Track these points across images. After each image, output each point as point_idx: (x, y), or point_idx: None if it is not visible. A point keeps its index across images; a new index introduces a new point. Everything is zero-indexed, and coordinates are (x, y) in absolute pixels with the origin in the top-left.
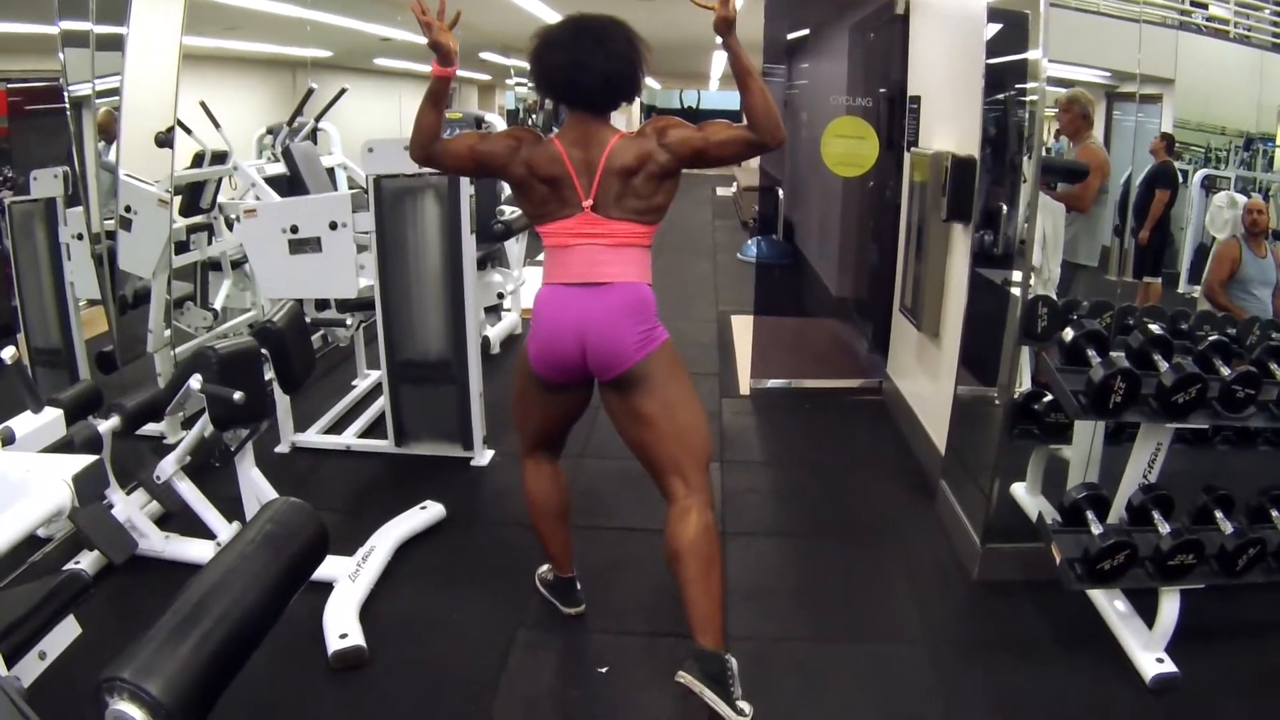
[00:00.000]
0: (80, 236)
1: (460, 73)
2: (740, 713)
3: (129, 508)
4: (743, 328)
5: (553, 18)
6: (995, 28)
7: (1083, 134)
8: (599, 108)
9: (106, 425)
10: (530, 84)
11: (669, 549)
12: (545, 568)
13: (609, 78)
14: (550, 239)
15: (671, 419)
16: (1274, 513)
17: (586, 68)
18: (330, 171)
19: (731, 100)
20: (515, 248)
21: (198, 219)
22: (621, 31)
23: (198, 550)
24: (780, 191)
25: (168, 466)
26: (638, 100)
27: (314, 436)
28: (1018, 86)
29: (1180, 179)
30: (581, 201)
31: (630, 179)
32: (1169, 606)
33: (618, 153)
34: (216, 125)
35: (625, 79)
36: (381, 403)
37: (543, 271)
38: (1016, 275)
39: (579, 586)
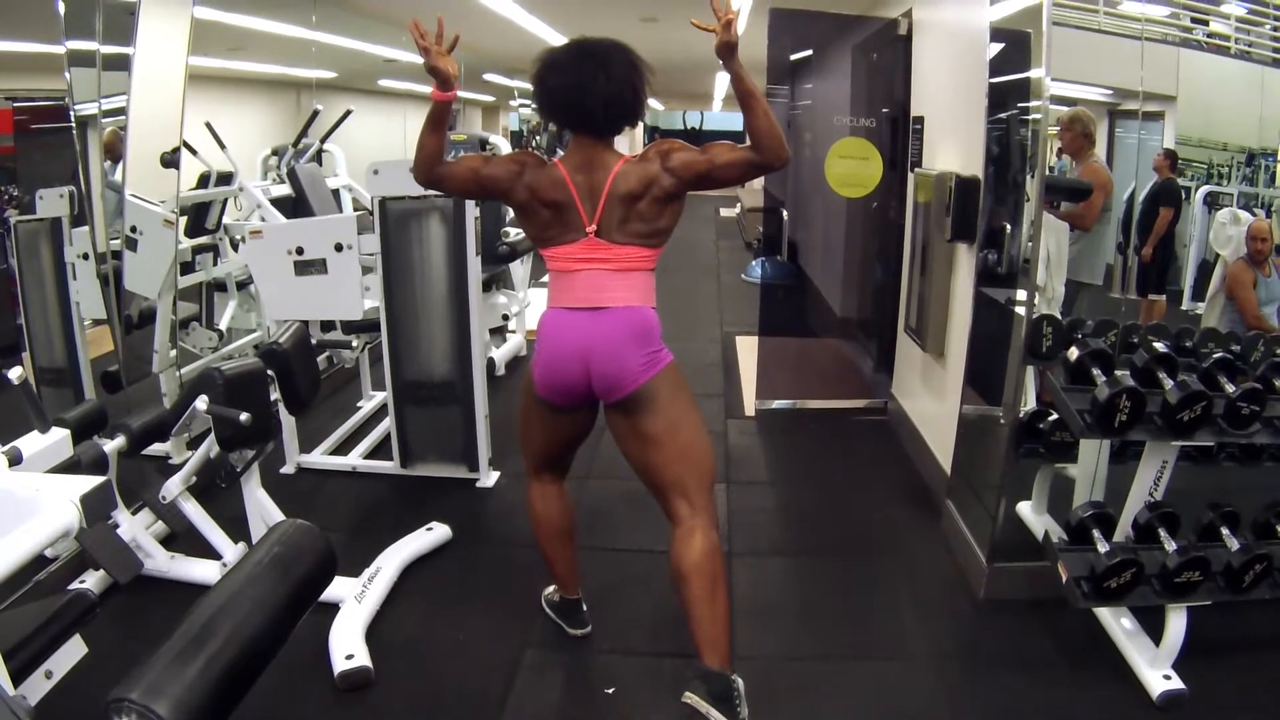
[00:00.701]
0: (86, 256)
1: (463, 94)
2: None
3: (135, 528)
4: (747, 348)
5: (556, 38)
6: (998, 47)
7: (1085, 153)
8: (601, 131)
9: (112, 445)
10: (534, 106)
11: (674, 570)
12: (551, 589)
13: (610, 101)
14: (554, 263)
15: (676, 440)
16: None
17: (588, 91)
18: (335, 193)
19: (735, 121)
20: (520, 269)
21: (203, 240)
22: (624, 55)
23: (203, 570)
24: (784, 212)
25: (174, 487)
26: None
27: (319, 457)
28: (1021, 105)
29: (1183, 195)
30: (585, 226)
31: (635, 204)
32: (1176, 623)
33: (622, 178)
34: (222, 146)
35: (627, 103)
36: (387, 424)
37: (547, 295)
38: (1021, 294)
39: (585, 608)
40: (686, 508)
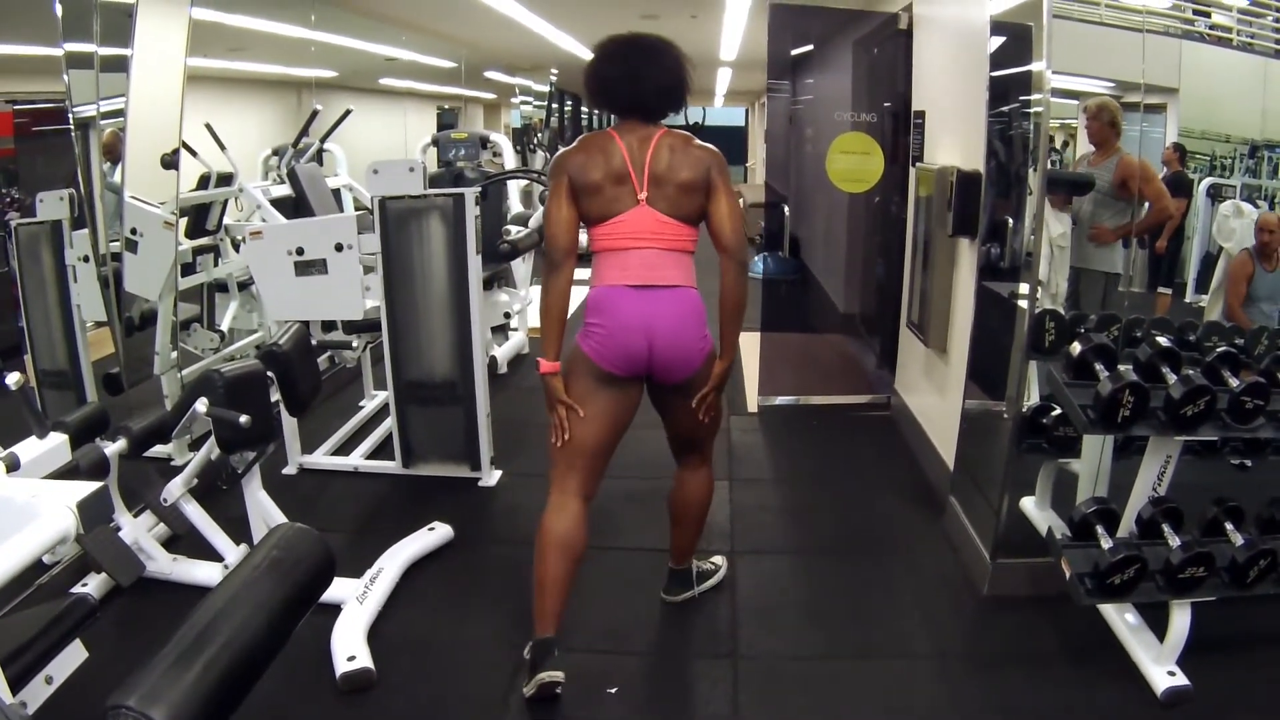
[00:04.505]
0: (86, 258)
1: (466, 92)
2: (715, 565)
3: (136, 530)
4: (750, 344)
5: (557, 36)
6: (999, 40)
7: (1110, 143)
8: (651, 116)
9: (113, 448)
10: (587, 96)
11: (679, 497)
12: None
13: (661, 90)
14: (605, 241)
15: (713, 418)
16: None
17: (642, 79)
18: (336, 193)
19: (735, 116)
20: (521, 267)
21: (204, 241)
22: (673, 48)
23: (205, 572)
24: (786, 208)
25: (175, 489)
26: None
27: (321, 458)
28: (1022, 99)
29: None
30: (637, 194)
31: (671, 177)
32: (1180, 619)
33: (660, 150)
34: (222, 147)
35: (676, 90)
36: (388, 424)
37: (595, 274)
38: (1023, 289)
39: (556, 652)
40: (698, 458)
